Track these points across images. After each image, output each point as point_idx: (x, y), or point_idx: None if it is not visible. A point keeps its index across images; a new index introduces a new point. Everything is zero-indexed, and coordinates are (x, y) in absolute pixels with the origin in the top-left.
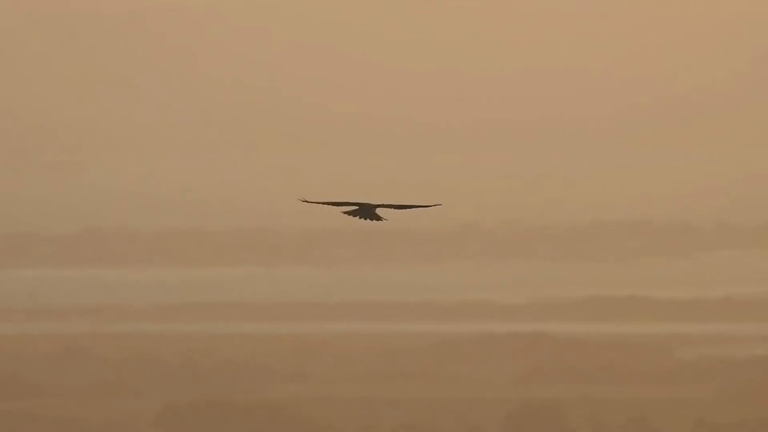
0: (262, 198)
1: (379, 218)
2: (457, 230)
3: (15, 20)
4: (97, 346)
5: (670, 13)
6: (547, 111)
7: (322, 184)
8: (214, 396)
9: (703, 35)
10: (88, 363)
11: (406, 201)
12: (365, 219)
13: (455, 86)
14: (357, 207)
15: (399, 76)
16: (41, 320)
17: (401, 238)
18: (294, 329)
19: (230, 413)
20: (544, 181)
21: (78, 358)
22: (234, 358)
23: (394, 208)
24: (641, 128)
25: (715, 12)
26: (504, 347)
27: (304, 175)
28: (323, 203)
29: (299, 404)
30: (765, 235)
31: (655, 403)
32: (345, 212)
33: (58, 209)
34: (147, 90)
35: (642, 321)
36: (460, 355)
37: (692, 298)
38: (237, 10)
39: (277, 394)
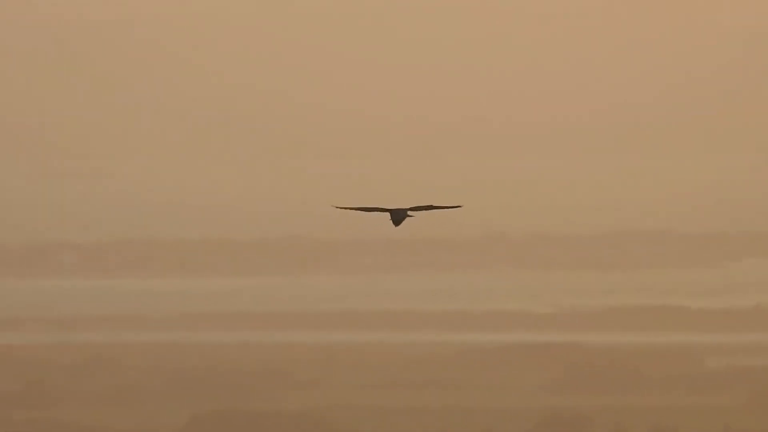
0: (283, 208)
1: (403, 218)
2: (483, 239)
3: (36, 32)
4: (122, 354)
5: (675, 19)
6: (577, 118)
7: (343, 192)
8: (237, 404)
9: (712, 40)
10: (112, 371)
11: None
12: (397, 224)
13: (478, 89)
14: (388, 212)
15: (417, 79)
16: (66, 329)
17: (426, 247)
18: (316, 338)
19: (252, 421)
20: (574, 190)
21: (102, 366)
22: (256, 367)
23: (424, 209)
24: (672, 136)
25: (722, 23)
26: (531, 356)
27: (325, 184)
28: (355, 209)
29: (322, 412)
30: None
31: (683, 412)
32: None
33: (82, 219)
34: (173, 101)
35: (671, 330)
36: (485, 364)
37: (722, 307)
38: (252, 18)
39: (300, 402)
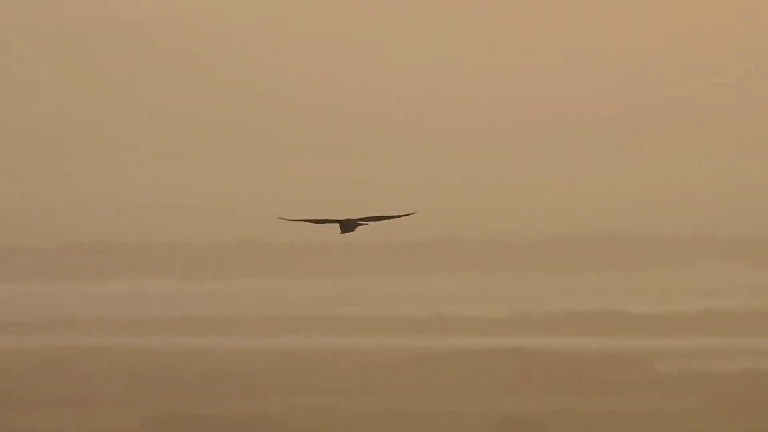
0: (243, 211)
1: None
2: (437, 243)
3: (23, 33)
4: (77, 359)
5: (666, 23)
6: (523, 120)
7: (304, 195)
8: (194, 410)
9: (688, 46)
10: (67, 376)
11: (385, 209)
12: (348, 233)
13: (436, 91)
14: (338, 222)
15: (381, 79)
16: (19, 333)
17: (382, 252)
18: (275, 343)
19: (211, 427)
20: (523, 193)
21: (57, 371)
22: (215, 372)
23: (373, 220)
24: (617, 139)
25: (708, 24)
26: (485, 361)
27: (286, 187)
28: (303, 221)
29: (281, 417)
30: (745, 247)
31: (636, 417)
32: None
33: (36, 222)
34: (128, 101)
35: (622, 334)
36: (441, 369)
37: (672, 311)
38: (235, 18)
39: (259, 407)
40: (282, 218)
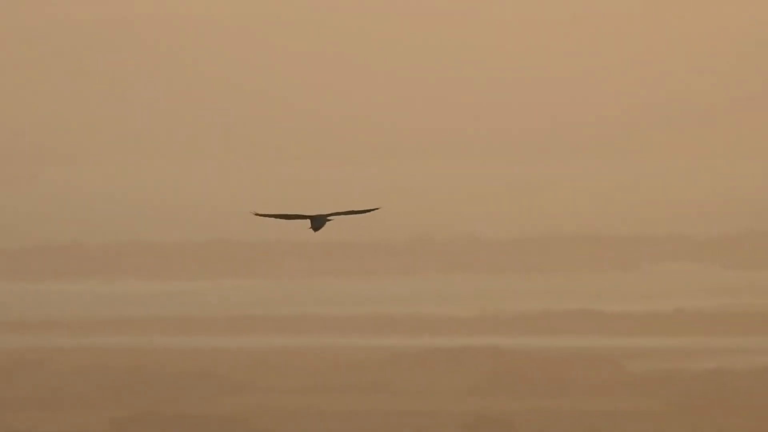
0: (212, 211)
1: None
2: (408, 243)
3: (12, 31)
4: (48, 359)
5: (662, 26)
6: (500, 122)
7: (275, 195)
8: (165, 408)
9: (663, 47)
10: (39, 376)
11: (358, 208)
12: (317, 230)
13: (415, 92)
14: (308, 218)
15: (360, 83)
16: None
17: (353, 251)
18: (245, 342)
19: (182, 425)
20: (495, 194)
21: (29, 370)
22: (186, 371)
23: (342, 214)
24: (590, 142)
25: (696, 28)
26: (456, 360)
27: (257, 186)
28: (274, 216)
29: (251, 416)
30: (715, 247)
31: (606, 416)
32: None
33: (7, 221)
34: (132, 101)
35: (592, 334)
36: (411, 368)
37: (643, 311)
38: (229, 19)
39: (229, 407)
40: (255, 213)
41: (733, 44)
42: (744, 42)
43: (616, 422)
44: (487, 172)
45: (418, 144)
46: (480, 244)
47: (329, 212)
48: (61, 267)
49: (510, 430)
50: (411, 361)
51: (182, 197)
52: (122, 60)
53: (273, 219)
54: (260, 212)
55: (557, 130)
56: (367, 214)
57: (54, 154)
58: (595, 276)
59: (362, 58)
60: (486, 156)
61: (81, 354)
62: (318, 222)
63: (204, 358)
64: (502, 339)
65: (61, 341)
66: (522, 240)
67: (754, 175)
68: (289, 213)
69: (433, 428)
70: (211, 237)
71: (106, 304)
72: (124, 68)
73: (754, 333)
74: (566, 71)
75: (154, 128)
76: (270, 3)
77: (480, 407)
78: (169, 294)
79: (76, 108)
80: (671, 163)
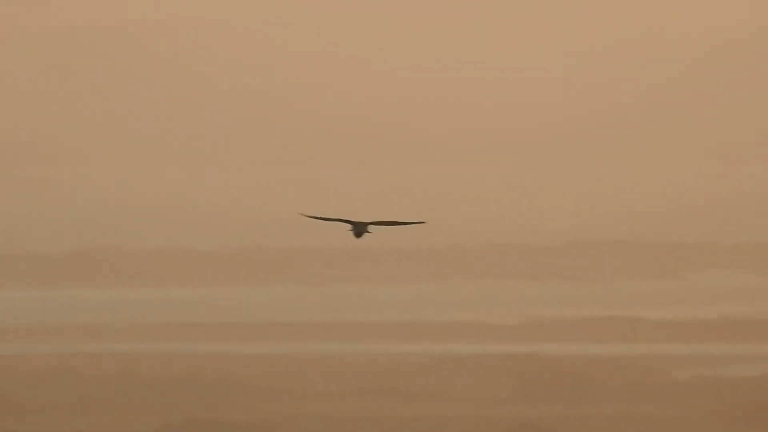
0: (250, 217)
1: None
2: (447, 249)
3: (14, 39)
4: (86, 365)
5: (667, 21)
6: (535, 125)
7: (310, 201)
8: (203, 415)
9: (690, 49)
10: (76, 383)
11: (396, 216)
12: (358, 236)
13: (447, 97)
14: (350, 223)
15: (390, 85)
16: (29, 340)
17: (390, 257)
18: (283, 349)
19: (218, 431)
20: (536, 199)
21: (66, 377)
22: (223, 378)
23: (385, 224)
24: (631, 145)
25: (706, 28)
26: (495, 367)
27: (293, 192)
28: (319, 218)
29: (289, 423)
30: (757, 253)
31: (649, 423)
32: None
33: (45, 228)
34: (134, 104)
35: (635, 341)
36: (450, 375)
37: (686, 317)
38: (231, 22)
39: (267, 413)
40: (301, 214)
41: (741, 43)
42: (751, 41)
43: (659, 429)
44: (526, 178)
45: (453, 150)
46: (519, 250)
47: (366, 221)
48: (94, 274)
49: None
50: (450, 368)
51: (215, 204)
52: (135, 65)
53: (310, 225)
54: (295, 224)
55: (600, 134)
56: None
57: (87, 158)
58: (637, 282)
59: (386, 62)
60: (524, 162)
61: (113, 361)
62: (359, 228)
63: (236, 365)
64: (542, 346)
65: (94, 348)
66: (563, 246)
67: None
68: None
69: None
70: (242, 244)
71: (139, 310)
72: (136, 74)
73: None
74: (591, 72)
75: (187, 135)
76: (285, 6)
77: (520, 414)
78: (202, 300)
79: (109, 114)
80: (714, 168)
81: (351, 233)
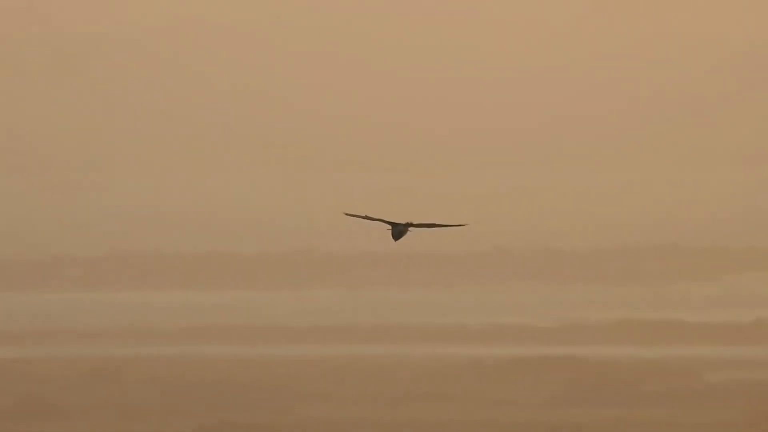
0: (288, 220)
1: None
2: (487, 252)
3: (33, 42)
4: (124, 368)
5: (676, 25)
6: (577, 129)
7: (348, 205)
8: (241, 418)
9: (702, 51)
10: (114, 385)
11: (433, 219)
12: (397, 238)
13: (486, 102)
14: (390, 225)
15: (427, 89)
16: (67, 343)
17: (430, 261)
18: (321, 352)
19: None
20: (575, 203)
21: (105, 380)
22: (262, 381)
23: (425, 227)
24: (671, 147)
25: (709, 30)
26: (534, 370)
27: (330, 196)
28: (362, 217)
29: (327, 427)
30: None
31: (685, 426)
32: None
33: (84, 231)
34: (172, 108)
35: (671, 344)
36: (489, 379)
37: (722, 321)
38: (252, 25)
39: (305, 417)
40: (347, 213)
41: (750, 45)
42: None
43: None
44: (565, 182)
45: (494, 153)
46: (557, 254)
47: (410, 222)
48: (135, 277)
49: None
50: (489, 371)
51: (255, 208)
52: (157, 71)
53: (355, 228)
54: (342, 224)
55: (631, 140)
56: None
57: (122, 163)
58: (674, 286)
59: (397, 66)
60: (563, 165)
61: (155, 363)
62: (399, 229)
63: (279, 368)
64: (579, 349)
65: (135, 351)
66: (600, 250)
67: None
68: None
69: None
70: (288, 246)
71: (187, 313)
72: (172, 79)
73: None
74: (623, 77)
75: (213, 140)
76: (298, 9)
77: (558, 417)
78: (246, 303)
79: (136, 118)
80: (749, 173)
81: (378, 237)
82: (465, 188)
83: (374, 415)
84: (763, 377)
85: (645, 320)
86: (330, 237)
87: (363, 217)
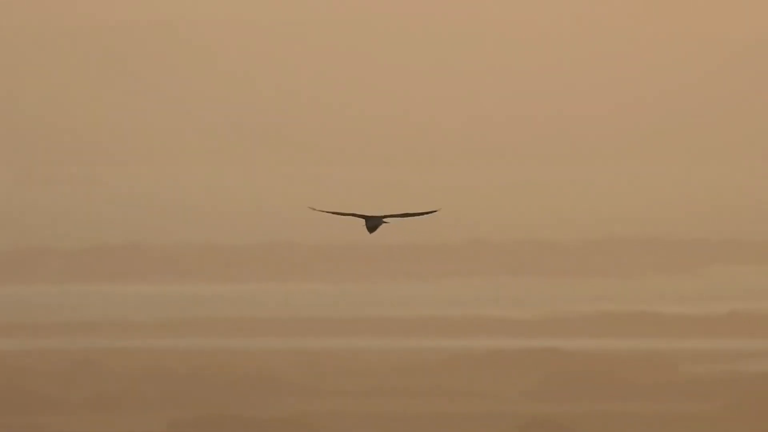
0: (271, 213)
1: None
2: (466, 245)
3: (28, 31)
4: (107, 360)
5: (679, 27)
6: (559, 124)
7: (330, 197)
8: (223, 410)
9: (696, 52)
10: (97, 377)
11: (411, 211)
12: (372, 230)
13: (467, 96)
14: (363, 218)
15: (408, 83)
16: (50, 335)
17: (411, 254)
18: (304, 344)
19: (239, 428)
20: (554, 196)
21: (87, 372)
22: (244, 373)
23: (399, 217)
24: (651, 143)
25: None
26: (514, 362)
27: (312, 189)
28: (332, 212)
29: (309, 419)
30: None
31: (662, 418)
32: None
33: (67, 224)
34: (159, 105)
35: (648, 336)
36: (470, 370)
37: (698, 313)
38: (261, 25)
39: (287, 409)
40: (312, 208)
41: (744, 42)
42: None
43: (672, 424)
44: (546, 175)
45: (476, 146)
46: (538, 246)
47: (385, 214)
48: (121, 269)
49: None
50: (469, 364)
51: (243, 200)
52: (173, 64)
53: (331, 221)
54: (314, 220)
55: (613, 134)
56: (426, 216)
57: (110, 155)
58: (652, 279)
59: (405, 62)
60: (545, 159)
61: (139, 356)
62: (373, 222)
63: (264, 361)
64: (559, 341)
65: (120, 343)
66: (579, 243)
67: None
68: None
69: (491, 430)
70: (272, 239)
71: (165, 306)
72: (173, 72)
73: None
74: (607, 73)
75: (211, 134)
76: (309, 6)
77: (538, 409)
78: (228, 296)
79: (136, 113)
80: (728, 166)
81: (365, 230)
82: (445, 181)
83: (354, 407)
84: (738, 369)
85: (622, 313)
86: (309, 230)
87: (334, 213)
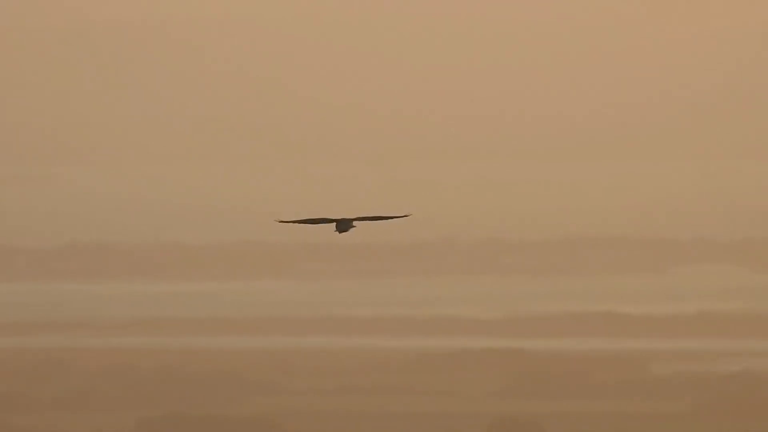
0: (239, 212)
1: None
2: (433, 245)
3: (7, 28)
4: (74, 359)
5: (680, 22)
6: (520, 124)
7: (303, 197)
8: (191, 409)
9: (684, 50)
10: (64, 376)
11: (382, 210)
12: (341, 232)
13: (433, 93)
14: (334, 222)
15: (379, 82)
16: (17, 334)
17: (378, 253)
18: (271, 343)
19: (207, 426)
20: (520, 196)
21: (53, 370)
22: (211, 372)
23: (369, 220)
24: (614, 143)
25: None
26: (481, 362)
27: (283, 189)
28: (299, 222)
29: (276, 417)
30: (739, 250)
31: (630, 418)
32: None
33: (35, 222)
34: (127, 102)
35: (617, 336)
36: (437, 370)
37: (666, 313)
38: (244, 20)
39: (255, 408)
40: (280, 221)
41: (742, 41)
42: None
43: (641, 425)
44: (512, 175)
45: (443, 146)
46: (505, 246)
47: (354, 215)
48: (86, 268)
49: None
50: (435, 363)
51: (207, 199)
52: (145, 61)
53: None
54: (284, 218)
55: (581, 133)
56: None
57: (79, 155)
58: (620, 278)
59: (387, 61)
60: (511, 158)
61: (106, 354)
62: (343, 225)
63: (229, 359)
64: (526, 341)
65: (87, 341)
66: (547, 242)
67: None
68: (313, 216)
69: (458, 430)
70: (236, 238)
71: (131, 304)
72: (148, 70)
73: None
74: (602, 74)
75: (179, 131)
76: (304, 4)
77: (504, 409)
78: (195, 295)
79: (104, 110)
80: (696, 165)
81: (332, 230)
82: (411, 179)
83: (322, 405)
84: (707, 369)
85: (589, 312)
86: (274, 229)
87: (301, 222)
